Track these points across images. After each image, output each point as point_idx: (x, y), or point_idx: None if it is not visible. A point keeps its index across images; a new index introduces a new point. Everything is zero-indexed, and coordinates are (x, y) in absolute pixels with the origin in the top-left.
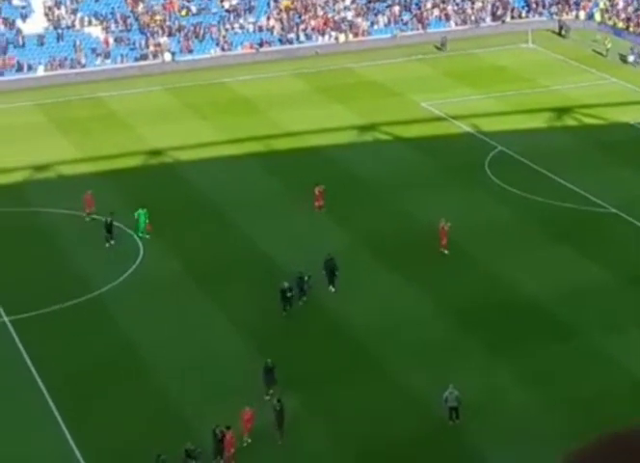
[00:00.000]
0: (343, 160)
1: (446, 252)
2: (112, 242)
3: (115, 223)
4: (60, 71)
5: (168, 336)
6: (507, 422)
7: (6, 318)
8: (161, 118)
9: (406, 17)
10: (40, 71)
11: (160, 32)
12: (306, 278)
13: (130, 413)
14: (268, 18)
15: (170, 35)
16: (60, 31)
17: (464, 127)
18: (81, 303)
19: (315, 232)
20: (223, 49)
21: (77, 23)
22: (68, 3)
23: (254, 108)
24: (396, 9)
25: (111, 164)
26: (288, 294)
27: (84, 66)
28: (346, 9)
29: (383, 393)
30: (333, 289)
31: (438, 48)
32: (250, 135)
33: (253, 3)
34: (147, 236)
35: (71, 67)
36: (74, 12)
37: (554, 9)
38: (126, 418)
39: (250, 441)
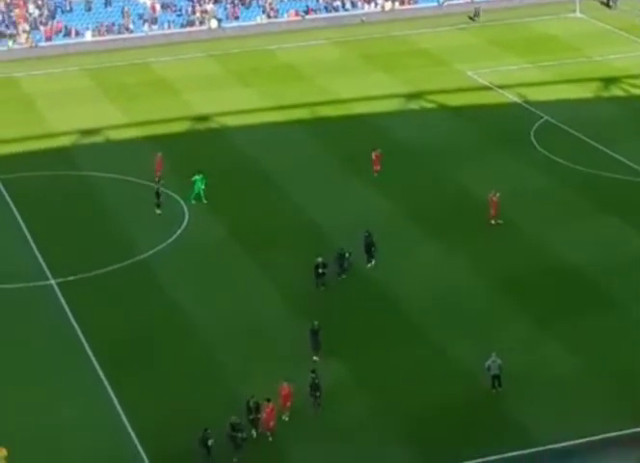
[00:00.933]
0: (389, 128)
1: (493, 222)
2: (158, 211)
3: (161, 188)
4: (107, 37)
5: (213, 300)
6: (549, 391)
7: (53, 281)
8: (207, 84)
9: None
10: (88, 37)
11: None
12: (347, 255)
13: (176, 376)
14: None
15: (216, 1)
16: None
17: (510, 97)
18: (127, 266)
19: (360, 200)
20: (269, 16)
21: None
22: None
23: (300, 75)
24: None
25: (158, 129)
26: (320, 270)
27: (131, 31)
28: None
29: (425, 361)
30: (368, 265)
31: (470, 18)
32: (296, 102)
33: None
34: (195, 202)
35: (119, 32)
36: None
37: None
38: (172, 381)
39: (288, 418)
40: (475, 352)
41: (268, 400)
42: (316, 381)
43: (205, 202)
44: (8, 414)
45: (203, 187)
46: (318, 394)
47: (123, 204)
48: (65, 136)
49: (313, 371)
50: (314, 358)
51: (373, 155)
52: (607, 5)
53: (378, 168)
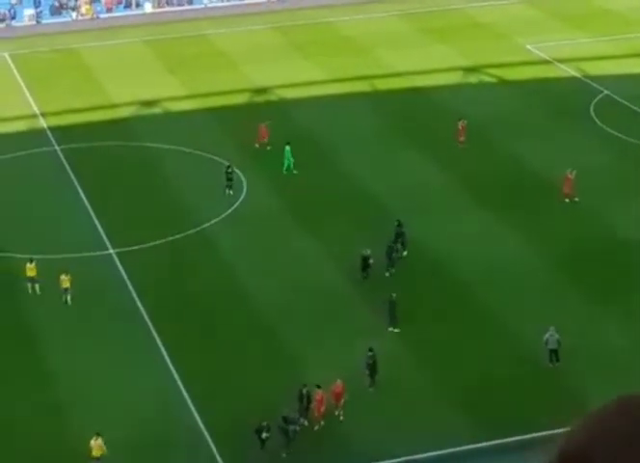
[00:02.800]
0: (447, 101)
1: (568, 200)
2: (230, 192)
3: (216, 157)
4: (167, 9)
5: (272, 272)
6: (608, 366)
7: (112, 251)
8: (266, 56)
9: None
10: (148, 8)
11: None
12: (396, 248)
13: (234, 348)
14: None
15: None
16: None
17: (569, 71)
18: (185, 237)
19: (418, 171)
20: None
21: None
22: None
23: (359, 48)
24: None
25: (216, 101)
26: (370, 261)
27: (191, 3)
28: None
29: (484, 334)
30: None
31: None
32: (355, 75)
33: None
34: (287, 173)
35: (178, 4)
36: None
37: None
38: (230, 353)
39: (342, 417)
40: (533, 325)
41: (318, 387)
42: (372, 361)
43: (286, 173)
44: (66, 381)
45: (291, 158)
46: (374, 373)
47: (182, 176)
48: (124, 107)
49: (371, 350)
50: (391, 330)
51: (459, 125)
52: None
53: (463, 138)
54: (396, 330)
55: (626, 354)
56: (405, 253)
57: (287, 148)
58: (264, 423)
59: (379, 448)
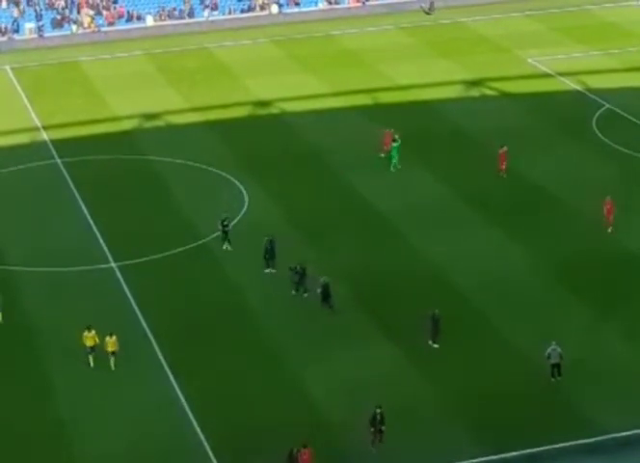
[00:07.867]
0: (449, 115)
1: (610, 230)
2: (228, 247)
3: (217, 171)
4: (168, 22)
5: (273, 285)
6: (611, 380)
7: (114, 264)
8: (268, 69)
9: None
10: (150, 22)
11: None
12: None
13: (236, 362)
14: None
15: None
16: None
17: (571, 84)
18: (187, 251)
19: (419, 184)
20: (329, 2)
21: None
22: None
23: (361, 61)
24: None
25: (218, 114)
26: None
27: (192, 16)
28: None
29: (486, 347)
30: (266, 271)
31: (426, 13)
32: (356, 88)
33: None
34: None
35: (180, 17)
36: None
37: None
38: (232, 366)
39: None
40: (535, 339)
41: (304, 446)
42: (378, 416)
43: (393, 169)
44: (68, 396)
45: (397, 155)
46: (382, 428)
47: (184, 189)
48: (126, 120)
49: (379, 407)
50: (433, 345)
51: (500, 152)
52: None
53: (504, 167)
54: (435, 345)
55: (629, 368)
56: (273, 270)
57: (394, 144)
58: None
59: None
